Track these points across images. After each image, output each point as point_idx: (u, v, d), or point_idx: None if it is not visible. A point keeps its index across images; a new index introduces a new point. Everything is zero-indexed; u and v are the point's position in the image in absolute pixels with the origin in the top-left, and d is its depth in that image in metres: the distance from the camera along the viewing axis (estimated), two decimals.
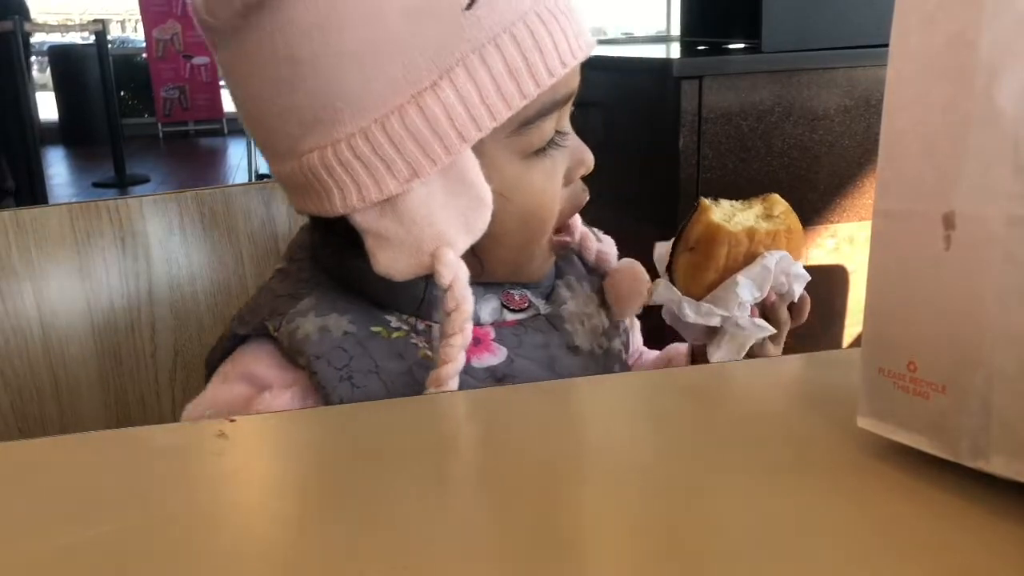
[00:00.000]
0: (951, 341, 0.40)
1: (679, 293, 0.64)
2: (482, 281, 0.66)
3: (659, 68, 1.46)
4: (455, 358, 0.59)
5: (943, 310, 0.40)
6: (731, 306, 0.63)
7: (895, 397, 0.43)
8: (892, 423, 0.44)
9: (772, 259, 0.62)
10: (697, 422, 0.52)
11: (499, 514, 0.42)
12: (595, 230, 0.77)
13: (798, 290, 0.65)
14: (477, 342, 0.64)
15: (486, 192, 0.58)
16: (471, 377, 0.63)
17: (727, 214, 0.62)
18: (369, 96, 0.56)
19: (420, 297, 0.64)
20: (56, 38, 8.08)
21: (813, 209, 1.45)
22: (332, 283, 0.66)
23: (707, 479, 0.45)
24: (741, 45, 1.55)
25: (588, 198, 0.68)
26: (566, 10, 0.59)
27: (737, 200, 0.64)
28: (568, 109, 0.64)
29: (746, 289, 0.62)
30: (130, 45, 9.96)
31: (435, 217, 0.58)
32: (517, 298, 0.68)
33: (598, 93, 1.52)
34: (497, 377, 0.63)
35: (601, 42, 2.06)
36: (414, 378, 0.61)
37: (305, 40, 0.55)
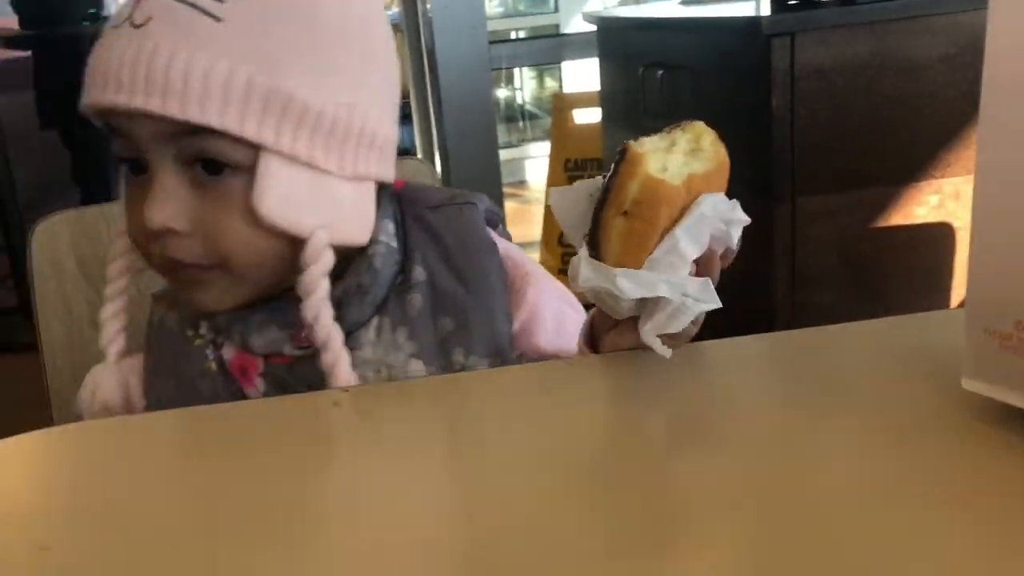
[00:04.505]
0: None
1: (611, 270, 0.52)
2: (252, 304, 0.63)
3: (748, 26, 1.42)
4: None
5: None
6: (678, 270, 0.52)
7: (1002, 358, 0.42)
8: (999, 384, 0.42)
9: (708, 205, 0.52)
10: (801, 385, 0.51)
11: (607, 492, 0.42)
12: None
13: (736, 236, 0.54)
14: (244, 372, 0.63)
15: None
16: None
17: (659, 160, 0.52)
18: None
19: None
20: None
21: (916, 164, 1.39)
22: None
23: (811, 442, 0.44)
24: None
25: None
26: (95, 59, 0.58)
27: (656, 135, 0.53)
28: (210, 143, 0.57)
29: (689, 245, 0.52)
30: None
31: None
32: (304, 333, 0.61)
33: (685, 55, 1.49)
34: None
35: (686, 2, 2.01)
36: (195, 387, 0.62)
37: None
